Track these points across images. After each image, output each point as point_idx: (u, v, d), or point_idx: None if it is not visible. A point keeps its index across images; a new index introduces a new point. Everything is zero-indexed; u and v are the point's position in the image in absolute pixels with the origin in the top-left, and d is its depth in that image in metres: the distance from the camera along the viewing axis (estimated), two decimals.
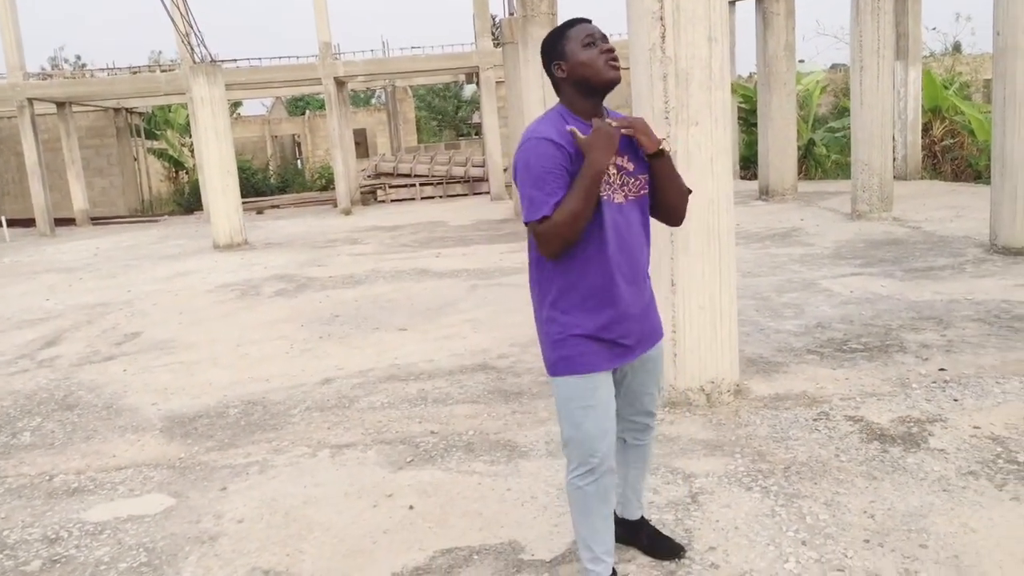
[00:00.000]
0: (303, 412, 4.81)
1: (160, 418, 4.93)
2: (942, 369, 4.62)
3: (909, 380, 4.49)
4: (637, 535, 2.91)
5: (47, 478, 4.12)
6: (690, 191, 2.55)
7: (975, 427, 3.78)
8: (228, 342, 6.76)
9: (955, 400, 4.14)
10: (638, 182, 2.45)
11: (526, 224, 2.34)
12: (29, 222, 19.78)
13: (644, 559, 2.85)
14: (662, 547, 2.87)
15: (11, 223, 19.61)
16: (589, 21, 2.45)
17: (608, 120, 2.38)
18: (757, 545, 2.90)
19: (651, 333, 2.59)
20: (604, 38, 2.42)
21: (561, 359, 2.46)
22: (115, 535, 3.42)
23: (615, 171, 2.41)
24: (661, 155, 2.41)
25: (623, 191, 2.42)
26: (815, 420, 4.02)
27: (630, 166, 2.46)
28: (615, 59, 2.39)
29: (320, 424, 4.58)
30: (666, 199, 2.51)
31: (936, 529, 2.92)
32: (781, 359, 5.06)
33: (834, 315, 6.02)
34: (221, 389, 5.42)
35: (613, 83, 2.39)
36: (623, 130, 2.36)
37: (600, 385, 2.48)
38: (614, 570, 2.62)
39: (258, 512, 3.52)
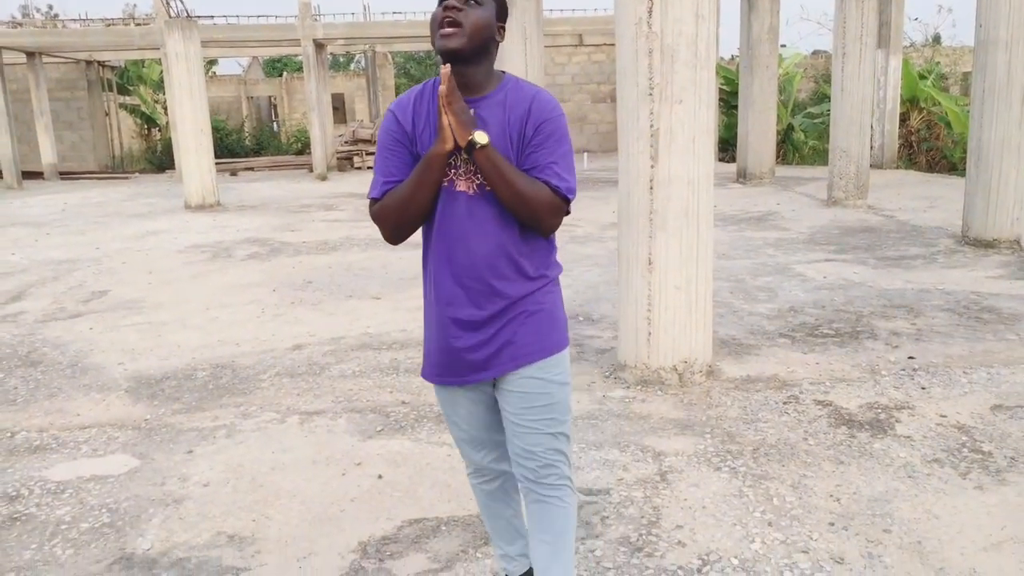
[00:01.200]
0: (273, 377, 4.76)
1: (126, 378, 4.85)
2: (911, 357, 4.68)
3: (878, 367, 4.54)
4: None
5: (8, 435, 4.04)
6: (561, 202, 2.00)
7: (942, 415, 3.83)
8: (198, 304, 6.67)
9: (923, 388, 4.20)
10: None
11: None
12: None
13: (612, 534, 2.86)
14: None
15: None
16: None
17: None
18: (724, 525, 2.92)
19: (507, 352, 2.06)
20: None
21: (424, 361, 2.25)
22: (77, 495, 3.36)
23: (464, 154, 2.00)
24: (472, 149, 1.92)
25: (472, 180, 2.00)
26: (785, 403, 4.05)
27: None
28: (450, 21, 1.92)
29: (290, 390, 4.53)
30: (504, 202, 1.98)
31: (900, 515, 2.95)
32: (753, 342, 5.09)
33: (807, 300, 6.06)
34: (190, 351, 5.34)
35: (444, 54, 1.93)
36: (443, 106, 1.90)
37: (459, 400, 2.19)
38: (530, 569, 2.39)
39: (224, 476, 3.48)
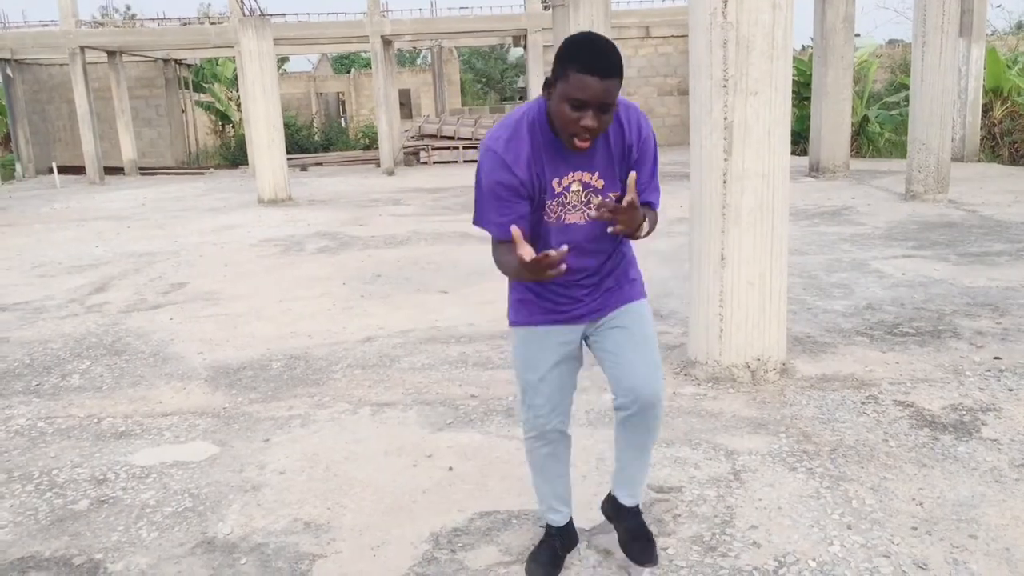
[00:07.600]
0: (345, 369, 4.84)
1: (205, 368, 5.00)
2: (997, 358, 4.50)
3: (962, 367, 4.38)
4: (619, 520, 2.64)
5: (95, 420, 4.21)
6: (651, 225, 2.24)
7: None
8: (272, 296, 6.83)
9: (1010, 390, 4.03)
10: (608, 201, 2.14)
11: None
12: (79, 169, 20.11)
13: (684, 533, 2.83)
14: (635, 549, 2.55)
15: (62, 170, 19.97)
16: (608, 56, 2.02)
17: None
18: (800, 526, 2.86)
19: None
20: (602, 107, 2.03)
21: None
22: (161, 479, 3.48)
23: (579, 188, 2.19)
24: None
25: (585, 210, 2.24)
26: (863, 403, 3.94)
27: (599, 183, 2.22)
28: (588, 136, 2.07)
29: (361, 382, 4.61)
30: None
31: (987, 520, 2.85)
32: (829, 339, 4.96)
33: (885, 297, 5.88)
34: (265, 342, 5.47)
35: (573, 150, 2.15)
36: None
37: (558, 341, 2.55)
38: (571, 520, 2.69)
39: (300, 465, 3.56)
